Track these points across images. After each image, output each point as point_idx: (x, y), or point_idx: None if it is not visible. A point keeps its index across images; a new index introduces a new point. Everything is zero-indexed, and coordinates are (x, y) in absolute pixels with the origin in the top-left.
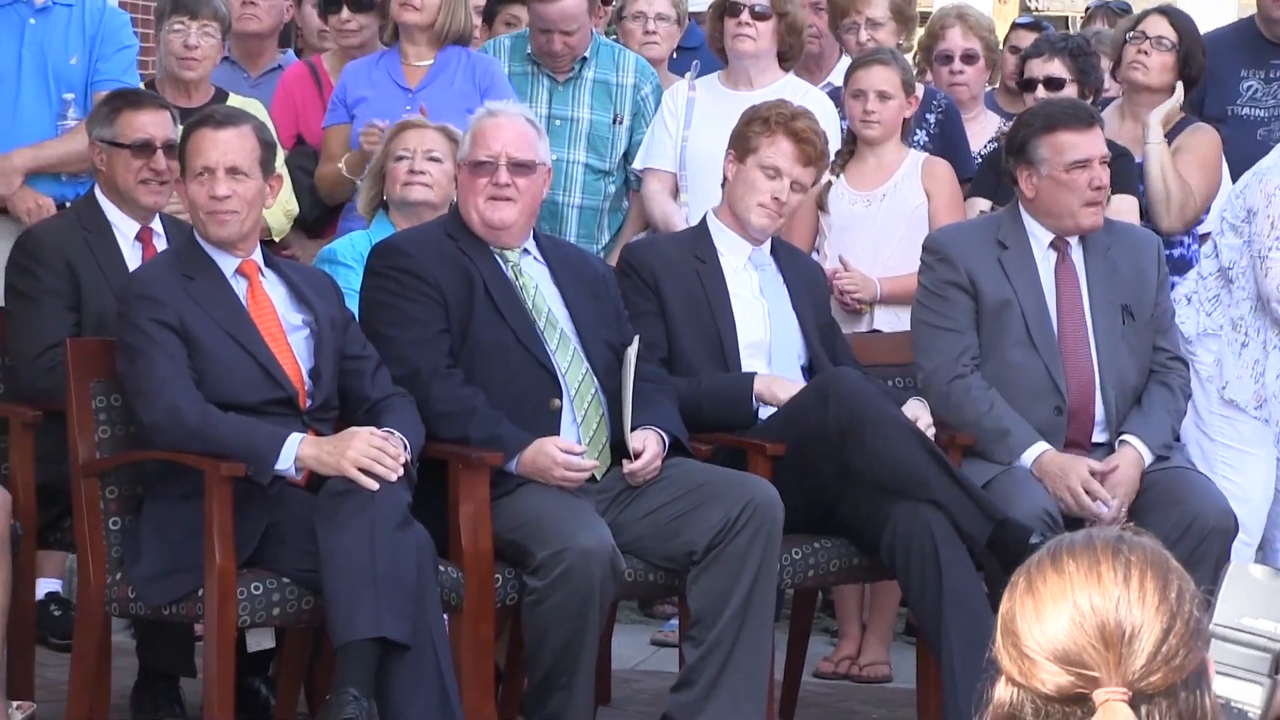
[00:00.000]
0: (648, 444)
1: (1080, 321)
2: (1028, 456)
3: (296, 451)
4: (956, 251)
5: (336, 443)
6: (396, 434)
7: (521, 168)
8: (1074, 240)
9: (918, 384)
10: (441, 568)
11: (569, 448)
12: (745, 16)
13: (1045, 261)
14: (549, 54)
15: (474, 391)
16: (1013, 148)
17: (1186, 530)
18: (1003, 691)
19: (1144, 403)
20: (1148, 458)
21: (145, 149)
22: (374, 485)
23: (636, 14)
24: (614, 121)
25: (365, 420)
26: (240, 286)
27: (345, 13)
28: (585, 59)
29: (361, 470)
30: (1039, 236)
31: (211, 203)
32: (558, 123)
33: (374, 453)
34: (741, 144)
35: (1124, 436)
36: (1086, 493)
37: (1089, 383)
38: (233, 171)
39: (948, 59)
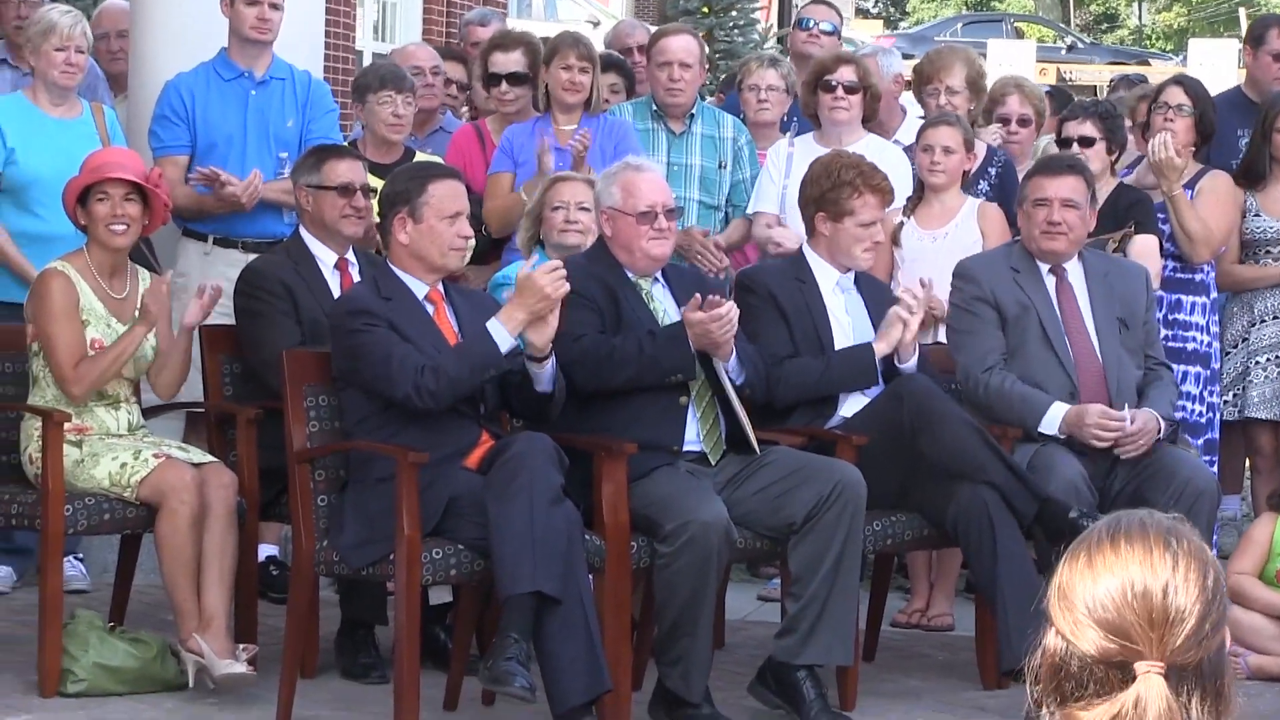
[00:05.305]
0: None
1: (1082, 326)
2: (1052, 416)
3: (505, 332)
4: (981, 274)
5: (522, 297)
6: (544, 262)
7: (672, 213)
8: (1072, 266)
9: (956, 377)
10: (587, 537)
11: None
12: (840, 91)
13: (1048, 279)
14: (668, 87)
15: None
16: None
17: (1180, 495)
18: (1053, 640)
19: (1143, 394)
20: (1159, 414)
21: (346, 190)
22: (565, 289)
23: (752, 86)
24: (719, 167)
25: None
26: (430, 309)
27: (504, 86)
28: (694, 115)
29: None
30: (1040, 263)
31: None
32: (675, 168)
33: (549, 277)
34: (834, 208)
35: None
36: (1105, 427)
37: (1098, 373)
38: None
39: (1006, 121)
